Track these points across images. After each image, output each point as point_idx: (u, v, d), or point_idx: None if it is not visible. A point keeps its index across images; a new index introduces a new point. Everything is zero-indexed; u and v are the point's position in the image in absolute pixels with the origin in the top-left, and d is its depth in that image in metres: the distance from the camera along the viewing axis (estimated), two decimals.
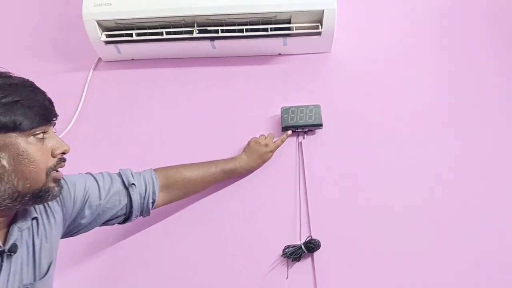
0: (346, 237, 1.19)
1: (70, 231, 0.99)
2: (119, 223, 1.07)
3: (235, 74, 1.38)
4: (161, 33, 1.30)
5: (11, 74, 0.78)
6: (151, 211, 1.10)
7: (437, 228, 1.18)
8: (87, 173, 1.03)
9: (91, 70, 1.40)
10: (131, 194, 1.03)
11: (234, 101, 1.35)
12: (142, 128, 1.34)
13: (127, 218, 1.06)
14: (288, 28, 1.29)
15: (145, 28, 1.30)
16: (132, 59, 1.41)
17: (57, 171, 0.80)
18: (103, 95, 1.38)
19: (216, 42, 1.32)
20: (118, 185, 1.03)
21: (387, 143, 1.27)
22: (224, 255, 1.19)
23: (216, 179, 1.19)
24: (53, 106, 0.80)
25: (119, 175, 1.05)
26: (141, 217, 1.09)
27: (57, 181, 0.80)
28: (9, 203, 0.74)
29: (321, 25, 1.27)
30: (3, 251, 0.77)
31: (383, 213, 1.20)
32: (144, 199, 1.06)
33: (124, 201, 1.03)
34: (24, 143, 0.74)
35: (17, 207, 0.78)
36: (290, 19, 1.28)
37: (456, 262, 1.15)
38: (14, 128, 0.72)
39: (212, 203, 1.24)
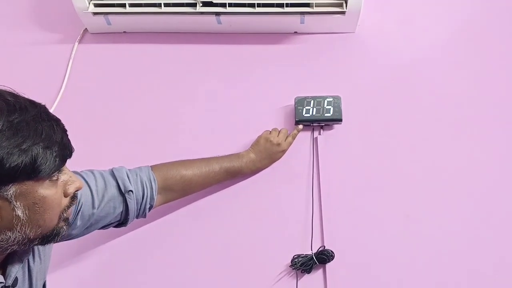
0: (363, 248, 1.12)
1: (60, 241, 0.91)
2: (113, 227, 1.01)
3: (244, 53, 1.26)
4: (159, 5, 1.16)
5: (23, 102, 0.65)
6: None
7: (463, 241, 1.12)
8: (74, 172, 0.90)
9: (76, 43, 1.27)
10: (127, 201, 0.96)
11: (241, 86, 1.24)
12: (134, 110, 1.23)
13: (121, 223, 1.00)
14: (307, 5, 1.15)
15: None
16: (124, 32, 1.27)
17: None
18: (90, 71, 1.26)
19: (222, 17, 1.19)
20: (113, 190, 0.95)
21: (414, 143, 1.19)
22: (227, 265, 1.13)
23: (218, 180, 1.11)
24: (69, 140, 0.71)
25: (113, 177, 0.97)
26: (136, 219, 1.03)
27: (66, 220, 0.75)
28: (15, 248, 0.71)
29: (346, 3, 1.14)
30: (8, 287, 0.75)
31: (405, 223, 1.13)
32: (141, 205, 1.00)
33: (120, 208, 0.96)
34: (41, 189, 0.67)
35: (21, 248, 0.75)
36: None
37: (477, 273, 1.11)
38: (33, 176, 0.65)
39: (213, 205, 1.16)
